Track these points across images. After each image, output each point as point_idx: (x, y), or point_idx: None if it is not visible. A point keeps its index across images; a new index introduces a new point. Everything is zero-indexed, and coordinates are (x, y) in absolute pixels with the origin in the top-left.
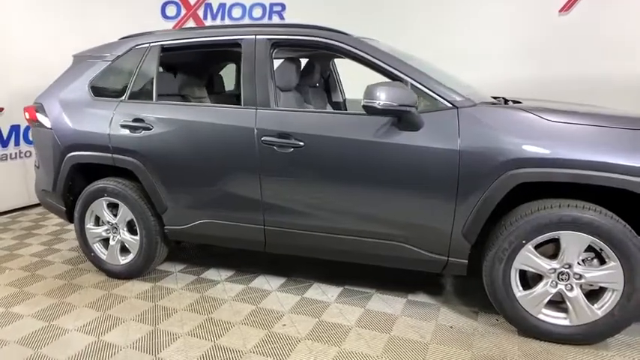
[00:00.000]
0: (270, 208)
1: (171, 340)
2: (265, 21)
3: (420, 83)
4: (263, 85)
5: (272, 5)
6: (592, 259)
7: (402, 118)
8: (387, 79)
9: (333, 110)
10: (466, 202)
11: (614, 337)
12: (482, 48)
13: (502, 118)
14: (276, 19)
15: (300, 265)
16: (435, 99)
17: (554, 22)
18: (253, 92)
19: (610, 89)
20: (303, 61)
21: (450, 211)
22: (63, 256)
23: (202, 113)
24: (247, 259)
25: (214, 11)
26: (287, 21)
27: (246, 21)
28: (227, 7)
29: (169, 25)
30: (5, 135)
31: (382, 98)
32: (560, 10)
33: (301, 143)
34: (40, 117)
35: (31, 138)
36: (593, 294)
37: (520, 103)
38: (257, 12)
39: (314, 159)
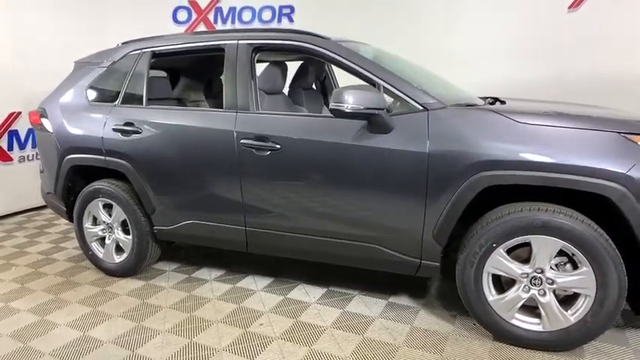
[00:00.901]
0: (251, 209)
1: (152, 336)
2: (275, 24)
3: (392, 86)
4: (244, 88)
5: (281, 8)
6: (565, 263)
7: (371, 121)
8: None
9: (309, 113)
10: (436, 205)
11: (592, 344)
12: (489, 46)
13: (471, 120)
14: (285, 22)
15: (289, 265)
16: (407, 101)
17: (563, 19)
18: (234, 96)
19: (622, 88)
20: (297, 64)
21: (420, 213)
22: (68, 254)
23: (187, 117)
24: (239, 259)
25: (225, 15)
26: (297, 23)
27: (256, 24)
28: (237, 10)
29: (181, 29)
30: (23, 138)
31: (350, 102)
32: (570, 7)
33: (278, 146)
34: (43, 121)
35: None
36: (569, 300)
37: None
38: (267, 15)
39: (290, 161)
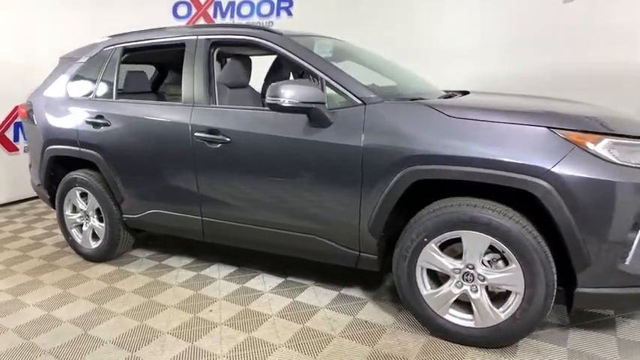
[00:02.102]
0: (205, 200)
1: (108, 318)
2: (273, 18)
3: (333, 80)
4: (200, 82)
5: (280, 1)
6: (497, 260)
7: (310, 115)
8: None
9: (256, 107)
10: (370, 198)
11: (528, 342)
12: (485, 40)
13: (403, 115)
14: (284, 15)
15: (254, 256)
16: (347, 95)
17: (558, 11)
18: (191, 90)
19: (621, 80)
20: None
21: (355, 206)
22: (56, 239)
23: (150, 110)
24: (210, 249)
25: (224, 9)
26: (295, 17)
27: (255, 18)
28: (236, 4)
29: (181, 24)
30: None
31: (286, 96)
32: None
33: (228, 139)
34: (29, 114)
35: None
36: (503, 297)
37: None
38: (265, 9)
39: (238, 154)
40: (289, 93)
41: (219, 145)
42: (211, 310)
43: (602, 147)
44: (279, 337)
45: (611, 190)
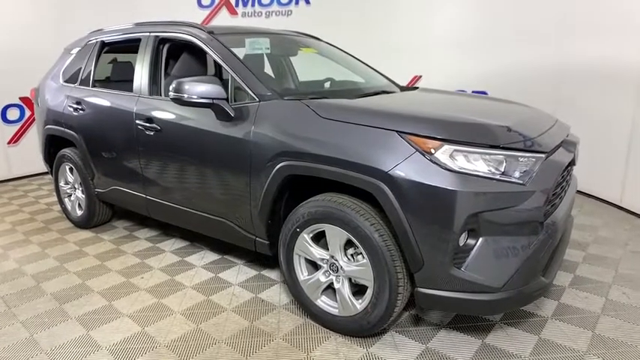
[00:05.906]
0: (147, 181)
1: (60, 275)
2: (292, 7)
3: (239, 77)
4: (147, 74)
5: None
6: (358, 254)
7: (214, 109)
8: None
9: None
10: (256, 187)
11: (393, 335)
12: (485, 34)
13: (284, 112)
14: (302, 4)
15: None
16: (248, 92)
17: (554, 3)
18: (139, 81)
19: (611, 73)
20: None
21: (247, 194)
22: None
23: (111, 98)
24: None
25: None
26: (313, 5)
27: (274, 7)
28: None
29: (205, 13)
30: None
31: (189, 92)
32: None
33: (159, 127)
34: (37, 97)
35: None
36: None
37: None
38: None
39: (166, 141)
40: (191, 89)
41: (153, 132)
42: (142, 277)
43: (442, 153)
44: (181, 305)
45: (443, 196)
